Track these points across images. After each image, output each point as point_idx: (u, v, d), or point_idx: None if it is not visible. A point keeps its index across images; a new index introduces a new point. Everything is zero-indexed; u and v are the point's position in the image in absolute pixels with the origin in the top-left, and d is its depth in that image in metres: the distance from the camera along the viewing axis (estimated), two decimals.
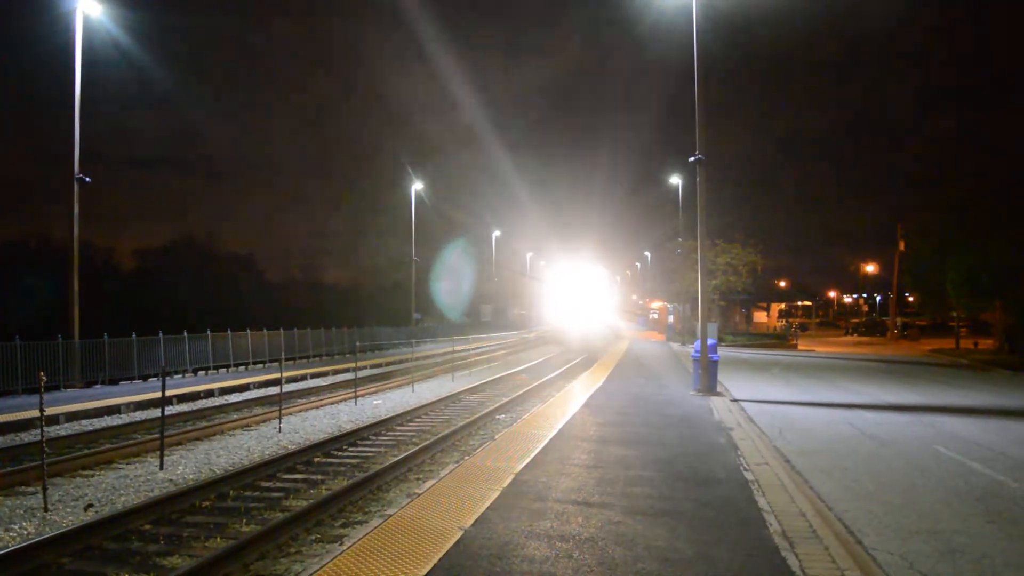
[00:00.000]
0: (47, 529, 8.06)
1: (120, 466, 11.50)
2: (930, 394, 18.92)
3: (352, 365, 25.79)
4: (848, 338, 68.24)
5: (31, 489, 10.02)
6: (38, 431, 13.98)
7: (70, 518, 8.57)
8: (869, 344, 53.80)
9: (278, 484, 10.24)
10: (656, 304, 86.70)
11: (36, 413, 13.74)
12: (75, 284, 22.34)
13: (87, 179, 22.68)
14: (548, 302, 47.81)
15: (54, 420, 15.35)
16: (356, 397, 19.48)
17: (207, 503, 9.13)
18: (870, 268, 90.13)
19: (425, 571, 5.43)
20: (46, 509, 8.85)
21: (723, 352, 25.19)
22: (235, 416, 16.53)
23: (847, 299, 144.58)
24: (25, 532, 8.04)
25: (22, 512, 8.84)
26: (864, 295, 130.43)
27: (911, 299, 74.97)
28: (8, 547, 7.04)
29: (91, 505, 9.15)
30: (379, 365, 31.15)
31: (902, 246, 54.83)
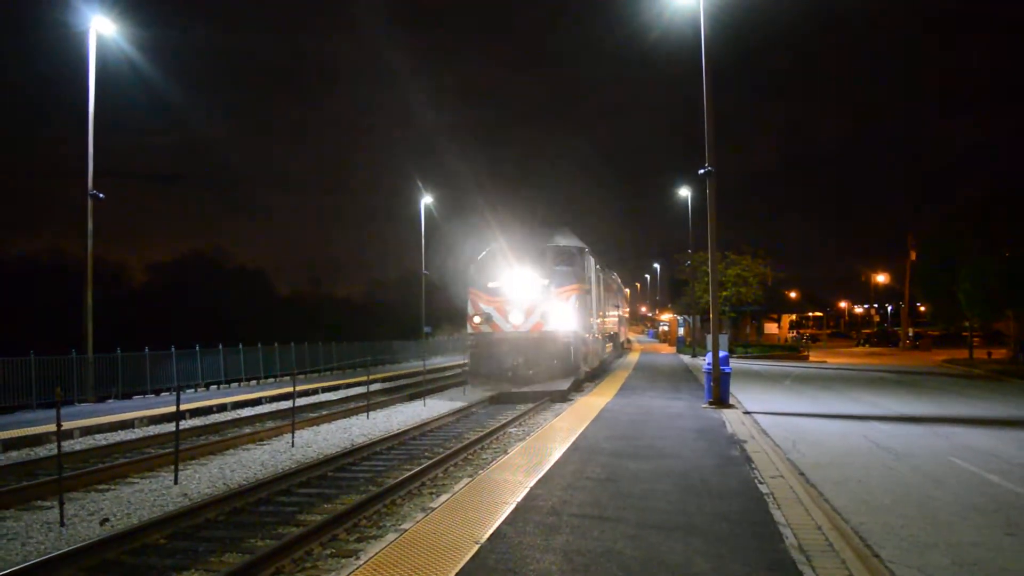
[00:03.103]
0: (64, 543, 8.09)
1: (135, 481, 11.54)
2: (944, 405, 18.82)
3: (364, 379, 25.82)
4: (860, 349, 67.96)
5: (47, 503, 10.06)
6: (53, 446, 14.10)
7: (86, 532, 8.60)
8: (881, 355, 53.53)
9: (292, 498, 10.25)
10: (666, 316, 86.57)
11: (51, 428, 13.82)
12: (89, 299, 22.46)
13: (101, 195, 22.86)
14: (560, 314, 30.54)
15: (68, 435, 15.42)
16: (368, 411, 19.48)
17: (222, 517, 9.15)
18: (881, 278, 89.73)
19: None
20: (62, 523, 8.89)
21: (734, 364, 25.09)
22: (248, 430, 16.56)
23: (858, 309, 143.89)
24: (42, 547, 8.07)
25: (39, 526, 8.88)
26: (875, 305, 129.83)
27: (923, 309, 74.65)
28: (27, 561, 7.07)
29: (107, 519, 9.18)
30: (390, 379, 31.18)
31: (913, 255, 54.61)
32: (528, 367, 20.80)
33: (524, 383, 20.85)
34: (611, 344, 35.08)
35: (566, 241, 23.28)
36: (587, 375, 24.13)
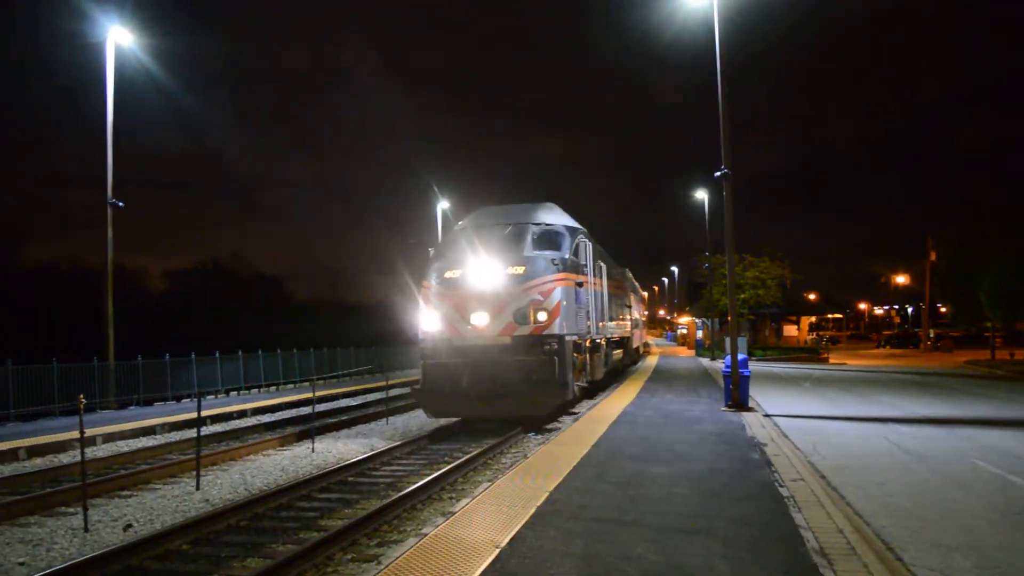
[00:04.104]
0: (88, 549, 8.18)
1: (157, 486, 11.64)
2: (966, 406, 18.65)
3: (382, 384, 25.91)
4: (880, 351, 67.54)
5: (71, 509, 10.17)
6: (76, 452, 14.25)
7: (110, 538, 8.69)
8: (902, 356, 53.16)
9: (313, 504, 10.31)
10: (684, 319, 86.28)
11: (74, 434, 13.98)
12: (110, 307, 22.67)
13: (120, 204, 23.07)
14: (541, 313, 15.70)
15: (91, 441, 15.58)
16: (388, 416, 19.55)
17: (244, 523, 9.21)
18: (901, 279, 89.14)
19: None
20: (86, 529, 8.99)
21: (754, 366, 24.92)
22: (268, 436, 16.67)
23: (878, 311, 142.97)
24: (67, 552, 8.17)
25: (63, 532, 8.98)
26: (896, 307, 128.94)
27: (944, 310, 74.04)
28: (52, 567, 7.15)
29: (130, 525, 9.27)
30: (409, 384, 31.23)
31: (933, 256, 54.23)
32: (496, 386, 15.22)
33: (492, 407, 15.46)
34: (621, 350, 28.12)
35: (552, 218, 17.76)
36: (583, 390, 18.54)
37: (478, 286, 15.87)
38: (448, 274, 16.27)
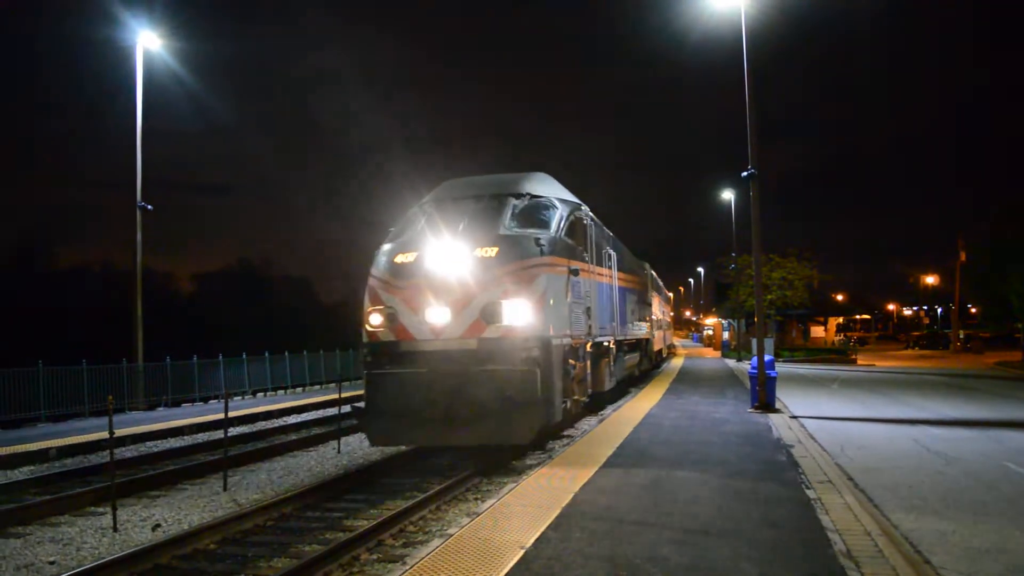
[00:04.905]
0: (117, 548, 8.28)
1: (185, 487, 11.75)
2: (997, 408, 18.39)
3: None
4: (909, 352, 66.81)
5: (100, 509, 10.28)
6: (106, 453, 14.40)
7: (139, 538, 8.79)
8: (931, 358, 52.55)
9: (339, 504, 10.36)
10: (710, 320, 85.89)
11: (103, 435, 14.14)
12: (139, 309, 22.95)
13: (149, 207, 23.34)
14: (517, 307, 10.46)
15: (120, 442, 15.74)
16: None
17: (270, 523, 9.28)
18: (931, 280, 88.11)
19: None
20: (115, 529, 9.09)
21: (780, 368, 24.68)
22: (294, 437, 16.78)
23: (907, 312, 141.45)
24: (96, 552, 8.27)
25: (93, 531, 9.10)
26: (925, 307, 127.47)
27: (974, 311, 73.15)
28: (82, 566, 7.25)
29: (158, 525, 9.36)
30: None
31: (963, 256, 53.56)
32: (461, 404, 11.27)
33: (456, 433, 11.35)
34: (638, 355, 23.65)
35: (541, 189, 13.80)
36: (578, 405, 13.89)
37: (438, 274, 11.95)
38: (400, 259, 12.46)
